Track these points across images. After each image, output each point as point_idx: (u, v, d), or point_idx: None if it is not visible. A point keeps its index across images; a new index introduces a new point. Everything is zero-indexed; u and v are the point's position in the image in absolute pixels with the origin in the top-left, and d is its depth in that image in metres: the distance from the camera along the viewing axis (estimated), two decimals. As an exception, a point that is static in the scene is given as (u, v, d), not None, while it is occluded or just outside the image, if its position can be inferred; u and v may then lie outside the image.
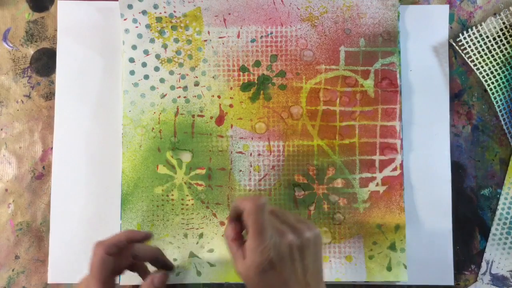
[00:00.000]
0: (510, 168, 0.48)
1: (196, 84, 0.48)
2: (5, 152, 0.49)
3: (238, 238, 0.38)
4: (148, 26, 0.48)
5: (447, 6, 0.49)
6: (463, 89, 0.49)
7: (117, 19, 0.49)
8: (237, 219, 0.38)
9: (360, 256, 0.47)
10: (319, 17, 0.48)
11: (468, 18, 0.50)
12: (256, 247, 0.35)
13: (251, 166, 0.48)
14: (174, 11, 0.48)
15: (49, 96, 0.49)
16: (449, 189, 0.48)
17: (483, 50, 0.48)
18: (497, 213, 0.48)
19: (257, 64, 0.48)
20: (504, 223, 0.48)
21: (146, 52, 0.48)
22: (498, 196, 0.48)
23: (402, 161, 0.47)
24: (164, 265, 0.45)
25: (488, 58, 0.48)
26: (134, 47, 0.48)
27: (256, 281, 0.36)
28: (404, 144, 0.48)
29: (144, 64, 0.48)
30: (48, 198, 0.48)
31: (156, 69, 0.48)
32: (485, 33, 0.48)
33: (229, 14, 0.48)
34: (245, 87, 0.48)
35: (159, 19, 0.48)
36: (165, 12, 0.48)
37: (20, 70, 0.49)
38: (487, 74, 0.48)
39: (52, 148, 0.48)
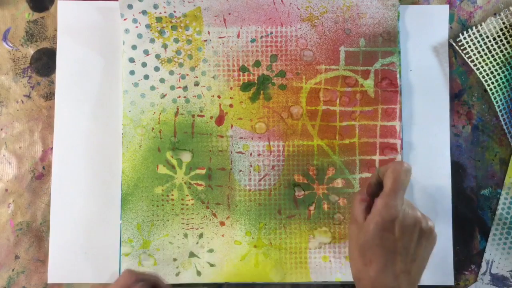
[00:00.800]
0: (510, 168, 0.48)
1: (196, 84, 0.48)
2: (5, 152, 0.49)
3: (367, 200, 0.40)
4: (148, 26, 0.48)
5: (447, 6, 0.49)
6: (463, 89, 0.49)
7: (117, 19, 0.49)
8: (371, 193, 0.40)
9: (360, 256, 0.47)
10: (319, 17, 0.48)
11: (468, 18, 0.50)
12: (386, 204, 0.37)
13: (251, 166, 0.48)
14: (174, 11, 0.48)
15: (49, 96, 0.49)
16: (449, 189, 0.48)
17: (483, 50, 0.48)
18: (497, 213, 0.48)
19: (257, 64, 0.48)
20: (504, 223, 0.48)
21: (146, 52, 0.48)
22: (498, 196, 0.48)
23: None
24: None
25: (488, 58, 0.48)
26: (134, 47, 0.48)
27: (371, 236, 0.37)
28: (404, 144, 0.48)
29: (144, 64, 0.48)
30: (48, 198, 0.48)
31: (156, 69, 0.48)
32: (485, 33, 0.48)
33: (229, 14, 0.48)
34: (245, 87, 0.48)
35: (159, 19, 0.48)
36: (165, 12, 0.48)
37: (20, 70, 0.49)
38: (487, 74, 0.48)
39: (52, 148, 0.48)
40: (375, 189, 0.40)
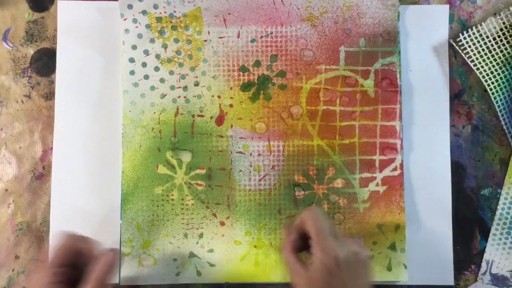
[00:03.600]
0: (510, 168, 0.48)
1: (196, 84, 0.48)
2: (5, 152, 0.49)
3: (295, 251, 0.40)
4: (148, 26, 0.48)
5: (447, 6, 0.49)
6: (463, 89, 0.49)
7: (117, 19, 0.49)
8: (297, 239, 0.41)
9: (360, 256, 0.47)
10: (319, 17, 0.48)
11: (468, 18, 0.50)
12: (322, 249, 0.37)
13: (251, 166, 0.48)
14: (174, 11, 0.48)
15: (49, 96, 0.49)
16: (449, 189, 0.48)
17: (483, 50, 0.48)
18: (497, 213, 0.48)
19: (257, 64, 0.48)
20: (504, 223, 0.48)
21: (146, 52, 0.48)
22: (498, 196, 0.48)
23: (402, 161, 0.47)
24: None
25: (488, 58, 0.48)
26: (134, 47, 0.48)
27: (321, 285, 0.36)
28: (404, 144, 0.48)
29: (144, 64, 0.48)
30: (48, 198, 0.48)
31: (156, 69, 0.48)
32: (485, 33, 0.48)
33: (229, 14, 0.48)
34: (245, 87, 0.48)
35: (159, 19, 0.48)
36: (165, 12, 0.48)
37: (20, 70, 0.49)
38: (487, 74, 0.48)
39: (52, 148, 0.48)
40: (300, 243, 0.40)
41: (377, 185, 0.47)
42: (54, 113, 0.48)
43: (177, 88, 0.48)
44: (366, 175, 0.48)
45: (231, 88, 0.48)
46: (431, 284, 0.47)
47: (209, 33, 0.48)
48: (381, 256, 0.47)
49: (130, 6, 0.48)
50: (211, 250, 0.47)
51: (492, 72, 0.48)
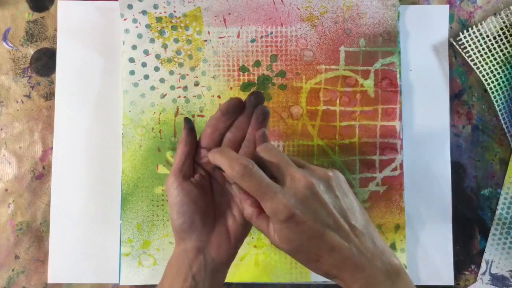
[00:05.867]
0: (510, 168, 0.48)
1: (196, 84, 0.48)
2: (5, 152, 0.49)
3: (261, 212, 0.34)
4: (148, 26, 0.48)
5: (447, 6, 0.49)
6: (463, 89, 0.49)
7: (117, 19, 0.49)
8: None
9: (360, 256, 0.47)
10: (319, 17, 0.48)
11: (468, 18, 0.50)
12: (272, 209, 0.31)
13: (251, 166, 0.48)
14: (174, 11, 0.48)
15: (49, 96, 0.49)
16: (449, 189, 0.48)
17: (483, 49, 0.48)
18: (497, 213, 0.48)
19: (257, 64, 0.48)
20: (504, 223, 0.48)
21: (146, 52, 0.48)
22: (498, 196, 0.48)
23: (402, 161, 0.47)
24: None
25: (488, 57, 0.48)
26: (134, 47, 0.48)
27: (294, 244, 0.32)
28: (404, 144, 0.48)
29: (144, 64, 0.48)
30: (48, 198, 0.48)
31: (156, 69, 0.48)
32: (485, 32, 0.48)
33: (229, 14, 0.48)
34: (245, 87, 0.48)
35: (159, 19, 0.48)
36: (165, 12, 0.48)
37: (20, 70, 0.49)
38: (487, 74, 0.48)
39: (52, 148, 0.48)
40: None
41: (377, 185, 0.47)
42: (54, 113, 0.48)
43: (177, 88, 0.48)
44: (366, 175, 0.48)
45: (231, 88, 0.48)
46: (431, 284, 0.47)
47: (209, 33, 0.48)
48: (381, 256, 0.47)
49: (130, 6, 0.48)
50: (211, 250, 0.47)
51: (492, 72, 0.48)
